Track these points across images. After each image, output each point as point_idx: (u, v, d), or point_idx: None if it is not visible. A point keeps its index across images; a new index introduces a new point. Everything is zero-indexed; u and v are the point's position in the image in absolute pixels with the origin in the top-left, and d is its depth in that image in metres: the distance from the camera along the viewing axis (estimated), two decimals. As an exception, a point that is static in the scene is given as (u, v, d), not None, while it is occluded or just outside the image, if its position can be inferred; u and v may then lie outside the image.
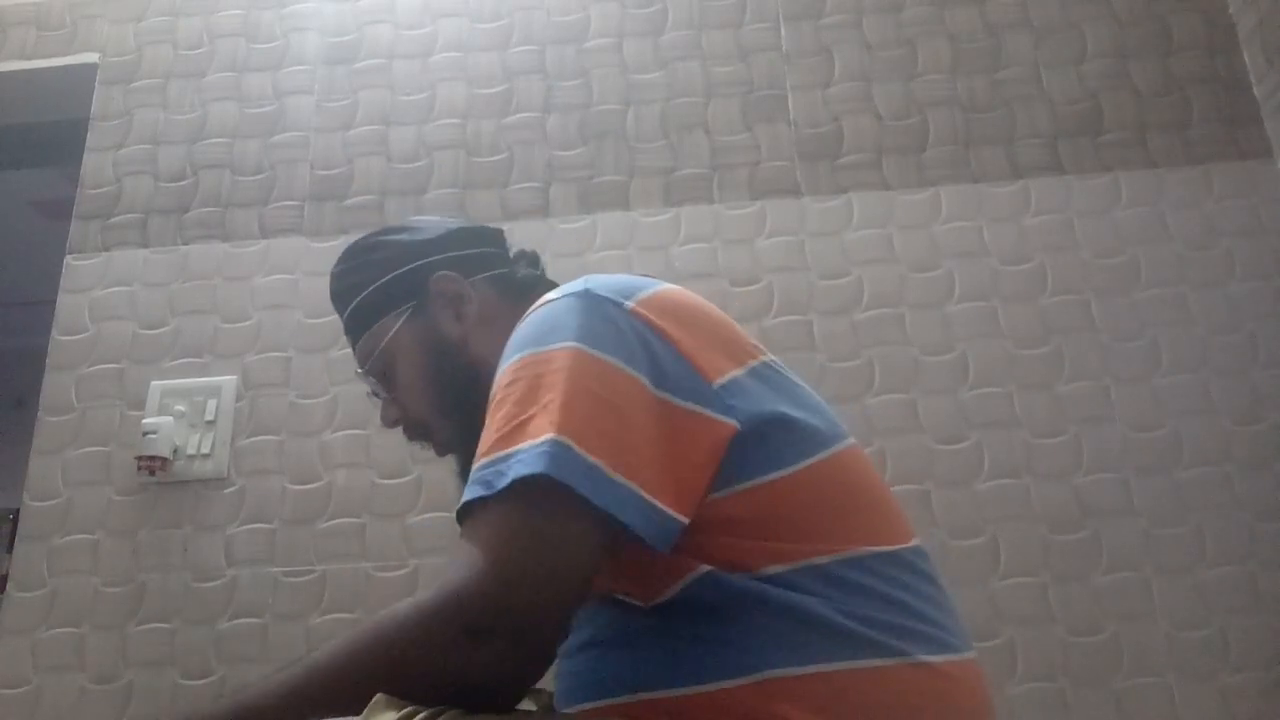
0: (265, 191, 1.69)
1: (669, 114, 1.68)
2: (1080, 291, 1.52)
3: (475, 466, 0.66)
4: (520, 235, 1.03)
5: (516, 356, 0.71)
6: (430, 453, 0.97)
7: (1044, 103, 1.63)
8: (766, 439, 0.69)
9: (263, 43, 1.79)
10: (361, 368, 0.98)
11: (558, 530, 0.62)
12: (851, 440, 0.76)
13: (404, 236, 0.98)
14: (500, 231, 1.03)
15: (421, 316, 0.94)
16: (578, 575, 0.62)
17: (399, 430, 0.97)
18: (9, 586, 1.49)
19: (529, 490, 0.62)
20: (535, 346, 0.70)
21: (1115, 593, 1.36)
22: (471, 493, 0.64)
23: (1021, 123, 1.62)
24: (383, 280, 0.96)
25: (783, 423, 0.71)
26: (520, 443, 0.64)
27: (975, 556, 1.39)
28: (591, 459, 0.63)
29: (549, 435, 0.63)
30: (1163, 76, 1.63)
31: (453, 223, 1.02)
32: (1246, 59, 1.62)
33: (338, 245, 1.63)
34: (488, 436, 0.67)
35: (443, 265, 0.95)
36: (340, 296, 1.00)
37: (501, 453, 0.65)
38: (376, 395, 0.99)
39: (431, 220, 1.03)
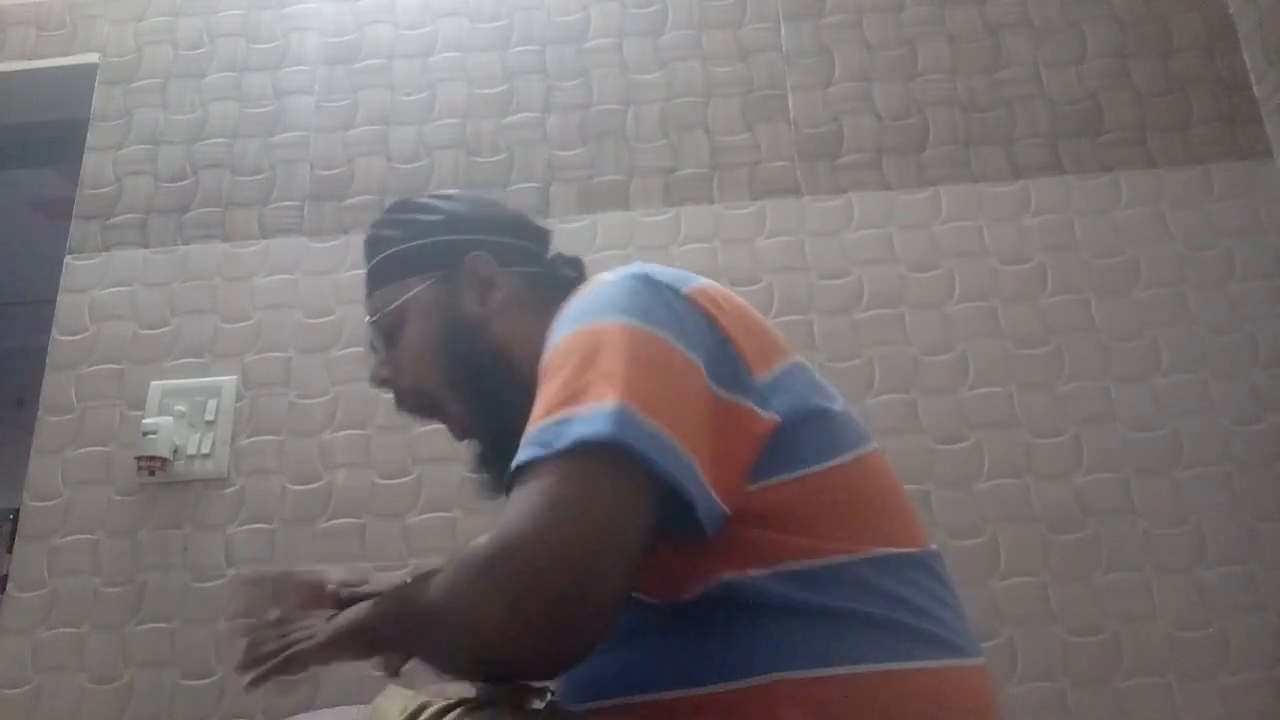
0: (265, 191, 1.69)
1: (669, 114, 1.68)
2: (1080, 291, 1.52)
3: (529, 431, 0.64)
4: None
5: (573, 328, 0.69)
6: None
7: (1044, 103, 1.63)
8: (801, 435, 0.69)
9: (263, 43, 1.79)
10: (371, 317, 0.97)
11: (618, 493, 0.59)
12: (876, 444, 0.76)
13: (453, 205, 0.98)
14: (548, 231, 1.02)
15: (445, 288, 0.93)
16: (635, 542, 0.59)
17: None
18: (9, 586, 1.49)
19: (592, 451, 0.59)
20: (593, 318, 0.69)
21: (1115, 593, 1.36)
22: (526, 454, 0.62)
23: (1021, 123, 1.62)
24: (419, 241, 0.95)
25: (818, 420, 0.71)
26: (579, 405, 0.62)
27: (975, 556, 1.39)
28: (656, 425, 0.61)
29: (613, 399, 0.61)
30: (1163, 76, 1.63)
31: (506, 209, 1.01)
32: (1246, 59, 1.62)
33: (338, 245, 1.63)
34: (543, 402, 0.65)
35: (482, 246, 0.94)
36: (374, 244, 0.99)
37: (559, 415, 0.62)
38: (374, 350, 0.98)
39: (484, 198, 1.02)
